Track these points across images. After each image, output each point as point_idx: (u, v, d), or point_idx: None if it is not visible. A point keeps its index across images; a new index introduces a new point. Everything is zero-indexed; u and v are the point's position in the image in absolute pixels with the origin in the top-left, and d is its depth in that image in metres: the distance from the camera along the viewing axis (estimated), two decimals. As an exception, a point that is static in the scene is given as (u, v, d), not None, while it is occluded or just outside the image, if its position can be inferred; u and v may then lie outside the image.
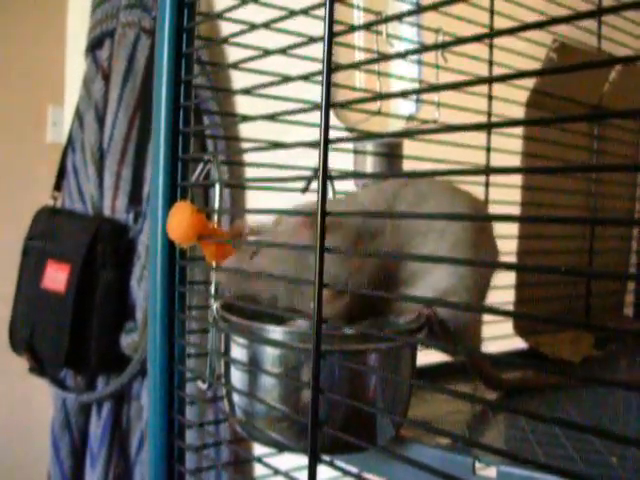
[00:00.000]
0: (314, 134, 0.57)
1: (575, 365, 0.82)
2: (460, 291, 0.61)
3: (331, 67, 0.46)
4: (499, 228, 0.66)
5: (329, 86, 0.46)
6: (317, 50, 0.55)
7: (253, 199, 1.50)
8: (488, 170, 0.73)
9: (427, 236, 0.61)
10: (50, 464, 1.63)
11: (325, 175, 0.45)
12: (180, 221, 0.61)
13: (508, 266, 0.61)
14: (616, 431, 0.32)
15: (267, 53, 0.59)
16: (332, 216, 0.47)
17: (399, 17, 0.66)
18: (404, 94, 0.58)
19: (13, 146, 2.00)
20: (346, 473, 0.52)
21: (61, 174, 1.71)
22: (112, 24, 1.61)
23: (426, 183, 0.64)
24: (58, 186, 1.71)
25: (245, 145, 0.74)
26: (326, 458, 0.50)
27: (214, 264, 0.62)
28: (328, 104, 0.46)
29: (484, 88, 0.84)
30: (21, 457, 1.96)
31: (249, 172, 1.35)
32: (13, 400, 1.97)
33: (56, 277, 1.52)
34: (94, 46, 1.64)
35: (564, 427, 0.34)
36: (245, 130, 1.43)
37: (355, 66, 0.68)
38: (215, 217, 0.64)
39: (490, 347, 0.82)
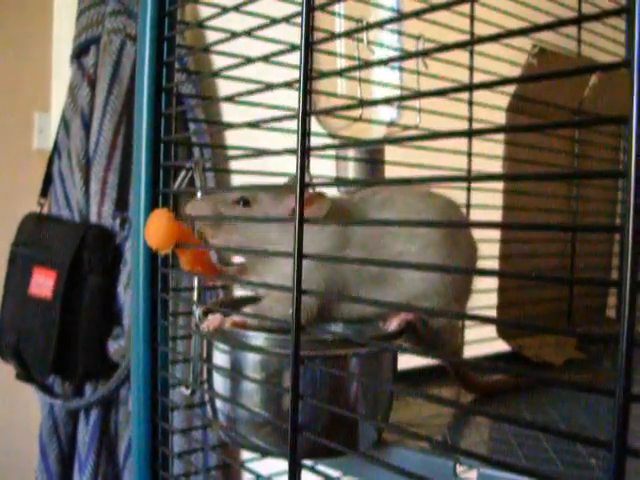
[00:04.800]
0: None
1: (557, 367, 0.83)
2: (431, 295, 0.61)
3: (308, 75, 0.46)
4: (480, 232, 0.67)
5: (306, 94, 0.46)
6: (298, 58, 0.55)
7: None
8: (470, 178, 0.74)
9: (397, 236, 0.61)
10: (38, 470, 1.62)
11: (303, 183, 0.46)
12: (157, 228, 0.61)
13: (484, 272, 0.61)
14: (597, 433, 0.33)
15: (249, 61, 0.59)
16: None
17: (380, 25, 0.67)
18: (386, 101, 0.59)
19: (-1, 152, 2.00)
20: (328, 478, 0.52)
21: (47, 180, 1.71)
22: (97, 31, 1.60)
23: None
24: (44, 192, 1.71)
25: (230, 152, 0.74)
26: (308, 463, 0.51)
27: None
28: (305, 112, 0.46)
29: (465, 94, 0.84)
30: (8, 464, 1.95)
31: (236, 179, 1.35)
32: (0, 406, 1.96)
33: (43, 283, 1.52)
34: (80, 53, 1.64)
35: (538, 430, 0.34)
36: (232, 137, 1.43)
37: (334, 74, 0.68)
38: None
39: (473, 350, 0.83)
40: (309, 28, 0.47)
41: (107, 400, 1.55)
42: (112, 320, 1.52)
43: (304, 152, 0.46)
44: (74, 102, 1.63)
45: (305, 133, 0.46)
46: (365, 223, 0.61)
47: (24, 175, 1.96)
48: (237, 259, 0.66)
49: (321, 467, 0.59)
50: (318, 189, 0.65)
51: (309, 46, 0.47)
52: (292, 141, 0.60)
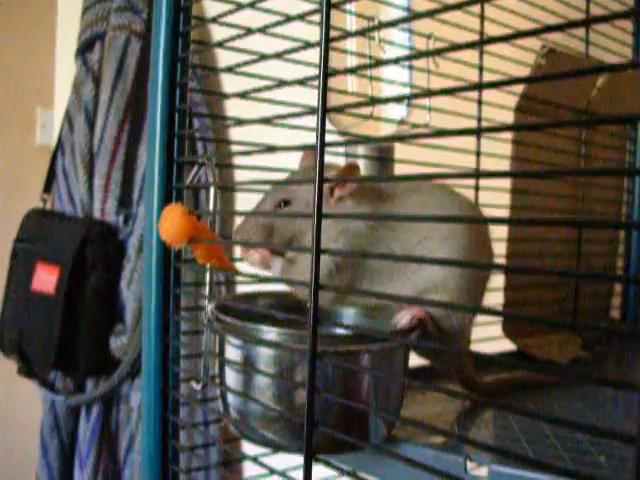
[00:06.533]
0: (302, 138, 0.58)
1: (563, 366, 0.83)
2: (450, 289, 0.62)
3: (327, 72, 0.47)
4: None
5: (325, 90, 0.47)
6: (309, 55, 0.55)
7: (243, 202, 1.50)
8: (479, 174, 0.74)
9: (420, 224, 0.61)
10: (38, 466, 1.62)
11: (322, 178, 0.46)
12: (171, 223, 0.61)
13: (497, 267, 0.61)
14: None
15: (263, 57, 0.60)
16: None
17: (393, 24, 0.67)
18: (398, 99, 0.59)
19: (2, 148, 1.99)
20: (343, 472, 0.52)
21: (51, 176, 1.71)
22: (102, 27, 1.60)
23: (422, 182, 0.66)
24: (48, 188, 1.71)
25: (238, 148, 0.75)
26: (321, 457, 0.51)
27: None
28: (324, 108, 0.46)
29: (474, 93, 0.85)
30: (9, 459, 1.95)
31: (238, 175, 1.35)
32: (1, 402, 1.96)
33: (46, 279, 1.52)
34: (84, 49, 1.64)
35: (553, 424, 0.34)
36: (234, 133, 1.43)
37: (351, 71, 0.68)
38: (209, 219, 0.64)
39: (478, 349, 0.83)
40: (329, 25, 0.47)
41: (108, 397, 1.55)
42: (114, 316, 1.52)
43: (323, 147, 0.46)
44: (78, 98, 1.63)
45: (324, 129, 0.46)
46: (366, 217, 0.61)
47: (27, 171, 1.96)
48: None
49: (333, 462, 0.59)
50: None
51: (328, 42, 0.47)
52: (296, 138, 0.61)
